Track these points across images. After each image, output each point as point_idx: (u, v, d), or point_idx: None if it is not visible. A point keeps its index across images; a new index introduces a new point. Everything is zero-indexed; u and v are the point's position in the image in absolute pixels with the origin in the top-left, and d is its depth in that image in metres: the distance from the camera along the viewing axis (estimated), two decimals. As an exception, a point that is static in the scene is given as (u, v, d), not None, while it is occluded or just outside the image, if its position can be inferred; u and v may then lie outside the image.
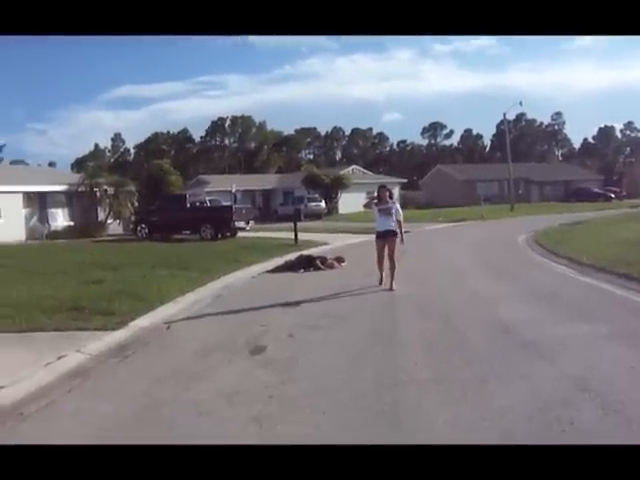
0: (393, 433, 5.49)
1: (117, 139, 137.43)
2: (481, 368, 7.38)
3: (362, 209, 54.75)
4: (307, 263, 18.81)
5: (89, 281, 15.18)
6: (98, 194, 40.95)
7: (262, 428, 5.66)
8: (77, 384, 7.41)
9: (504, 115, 72.67)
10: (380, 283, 14.35)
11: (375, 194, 15.35)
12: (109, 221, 41.41)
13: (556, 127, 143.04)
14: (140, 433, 5.70)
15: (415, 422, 5.73)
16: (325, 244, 28.01)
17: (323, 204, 59.73)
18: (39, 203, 38.88)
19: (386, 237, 14.36)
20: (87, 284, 14.76)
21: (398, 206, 14.79)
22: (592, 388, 6.40)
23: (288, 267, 18.77)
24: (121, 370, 8.11)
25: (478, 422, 5.62)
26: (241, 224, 34.80)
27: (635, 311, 10.82)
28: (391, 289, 13.77)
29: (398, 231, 14.40)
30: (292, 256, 20.47)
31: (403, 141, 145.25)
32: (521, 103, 67.95)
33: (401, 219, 14.58)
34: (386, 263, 14.40)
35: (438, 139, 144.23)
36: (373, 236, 14.84)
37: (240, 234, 33.76)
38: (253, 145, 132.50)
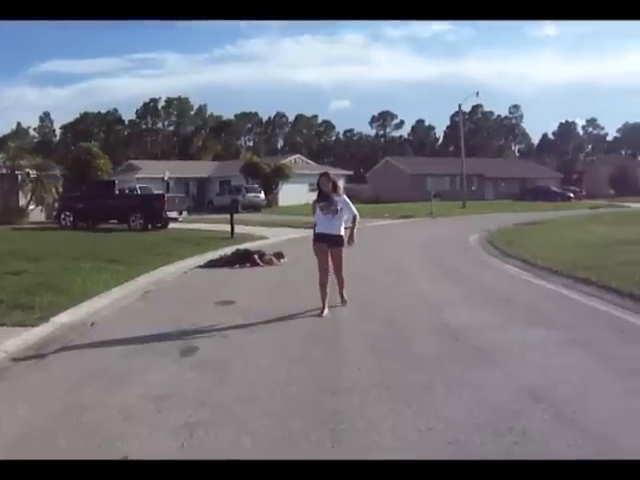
0: (334, 444, 5.48)
1: (46, 119, 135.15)
2: (427, 375, 7.43)
3: (304, 202, 54.79)
4: (244, 258, 18.72)
5: (7, 272, 14.89)
6: (19, 177, 40.35)
7: (192, 436, 5.63)
8: (-9, 385, 7.27)
9: (459, 106, 73.44)
10: (322, 313, 11.21)
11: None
12: (31, 207, 40.77)
13: (514, 121, 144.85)
14: (60, 439, 5.62)
15: (358, 432, 5.74)
16: (264, 238, 28.08)
17: (262, 195, 59.63)
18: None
19: (330, 243, 11.54)
20: (5, 275, 14.50)
21: (346, 199, 11.80)
22: (545, 397, 6.50)
23: (223, 262, 18.70)
24: (40, 370, 7.97)
25: (425, 432, 5.67)
26: (173, 214, 34.69)
27: (591, 316, 10.96)
28: (342, 301, 11.82)
29: (345, 233, 11.72)
30: (228, 250, 20.45)
31: (350, 130, 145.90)
32: (478, 94, 68.45)
33: (356, 212, 11.71)
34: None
35: (387, 129, 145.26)
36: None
37: (172, 225, 33.72)
38: (189, 129, 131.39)
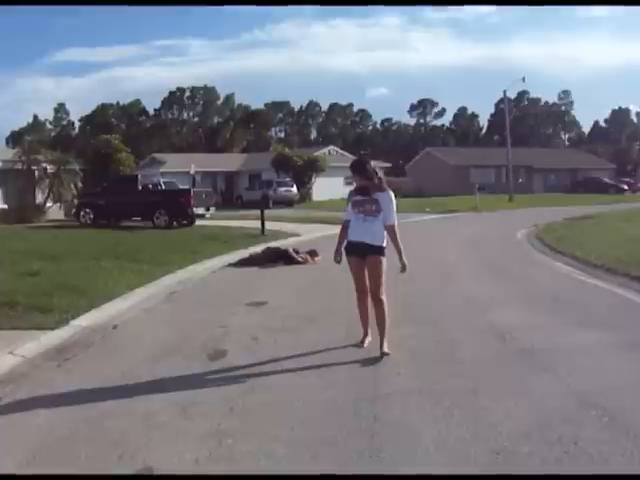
0: (372, 454, 5.42)
1: (61, 110, 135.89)
2: (472, 380, 7.38)
3: (339, 196, 54.45)
4: (276, 256, 18.73)
5: (25, 273, 15.00)
6: (37, 173, 40.53)
7: (221, 445, 5.64)
8: (9, 392, 7.32)
9: (504, 92, 73.01)
10: (362, 342, 9.04)
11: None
12: (49, 204, 40.94)
13: (563, 108, 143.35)
14: (80, 449, 5.63)
15: (398, 440, 5.70)
16: (296, 235, 28.07)
17: (295, 190, 59.57)
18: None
19: (365, 255, 8.78)
20: (22, 276, 14.60)
21: (392, 197, 8.84)
22: (599, 404, 6.41)
23: (253, 261, 18.71)
24: (59, 376, 8.01)
25: (470, 441, 5.61)
26: (200, 210, 34.69)
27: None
28: (382, 354, 8.51)
29: (384, 245, 8.80)
30: (258, 248, 20.47)
31: (388, 119, 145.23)
32: (524, 79, 68.17)
33: (395, 221, 8.79)
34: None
35: (428, 118, 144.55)
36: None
37: (199, 222, 33.70)
38: (216, 120, 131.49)
